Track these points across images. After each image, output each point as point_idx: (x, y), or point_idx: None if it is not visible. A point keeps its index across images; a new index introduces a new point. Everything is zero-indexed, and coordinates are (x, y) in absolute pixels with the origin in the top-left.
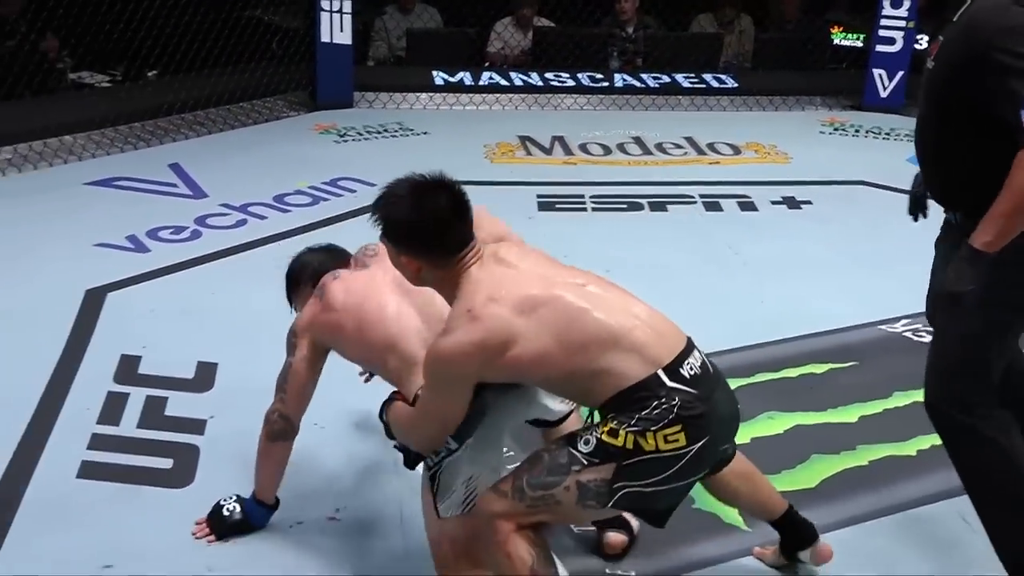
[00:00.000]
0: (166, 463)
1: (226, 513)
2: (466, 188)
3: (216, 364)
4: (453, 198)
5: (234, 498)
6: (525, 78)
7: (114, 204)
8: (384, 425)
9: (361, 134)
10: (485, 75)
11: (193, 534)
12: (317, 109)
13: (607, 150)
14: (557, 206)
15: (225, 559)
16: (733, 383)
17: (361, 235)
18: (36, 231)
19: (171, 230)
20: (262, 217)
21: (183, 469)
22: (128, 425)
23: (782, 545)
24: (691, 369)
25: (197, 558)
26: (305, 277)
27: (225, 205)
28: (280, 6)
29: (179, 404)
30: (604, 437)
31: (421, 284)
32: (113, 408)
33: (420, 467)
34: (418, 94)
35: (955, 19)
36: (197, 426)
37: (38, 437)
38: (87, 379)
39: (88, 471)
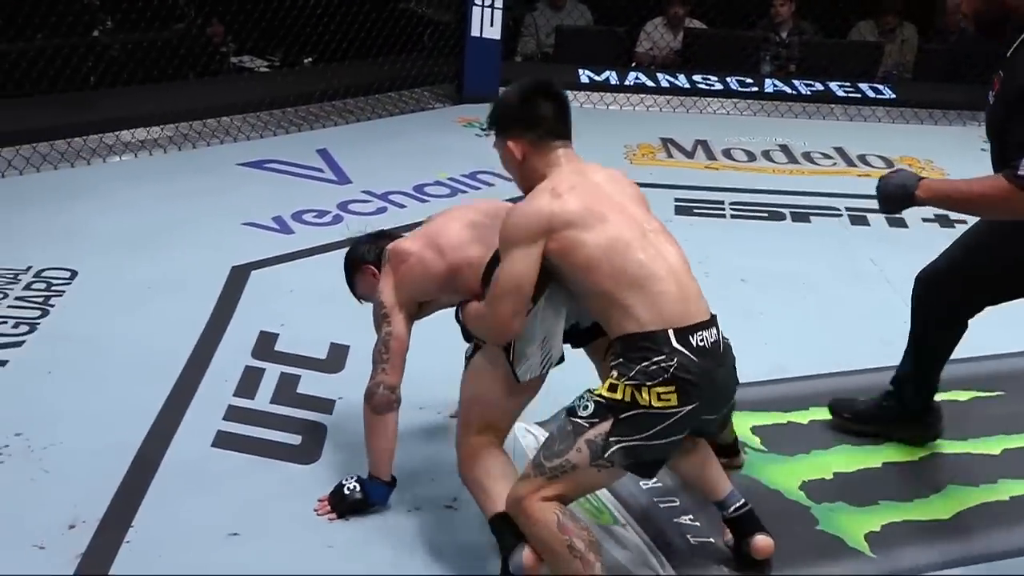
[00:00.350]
0: (295, 439)
1: (347, 492)
2: None
3: (348, 347)
4: (557, 95)
5: (355, 478)
6: (672, 80)
7: (263, 185)
8: (461, 327)
9: None
10: (631, 75)
11: (315, 511)
12: (462, 102)
13: (751, 156)
14: (695, 211)
15: (343, 538)
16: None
17: None
18: (190, 207)
19: (315, 213)
20: (401, 206)
21: (310, 446)
22: (262, 399)
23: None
24: (701, 341)
25: (318, 534)
26: (362, 261)
27: (367, 192)
28: (434, 0)
29: (311, 383)
30: (604, 393)
31: (525, 174)
32: (249, 382)
33: None
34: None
35: (1008, 55)
36: (326, 406)
37: (179, 404)
38: (227, 352)
39: (222, 441)
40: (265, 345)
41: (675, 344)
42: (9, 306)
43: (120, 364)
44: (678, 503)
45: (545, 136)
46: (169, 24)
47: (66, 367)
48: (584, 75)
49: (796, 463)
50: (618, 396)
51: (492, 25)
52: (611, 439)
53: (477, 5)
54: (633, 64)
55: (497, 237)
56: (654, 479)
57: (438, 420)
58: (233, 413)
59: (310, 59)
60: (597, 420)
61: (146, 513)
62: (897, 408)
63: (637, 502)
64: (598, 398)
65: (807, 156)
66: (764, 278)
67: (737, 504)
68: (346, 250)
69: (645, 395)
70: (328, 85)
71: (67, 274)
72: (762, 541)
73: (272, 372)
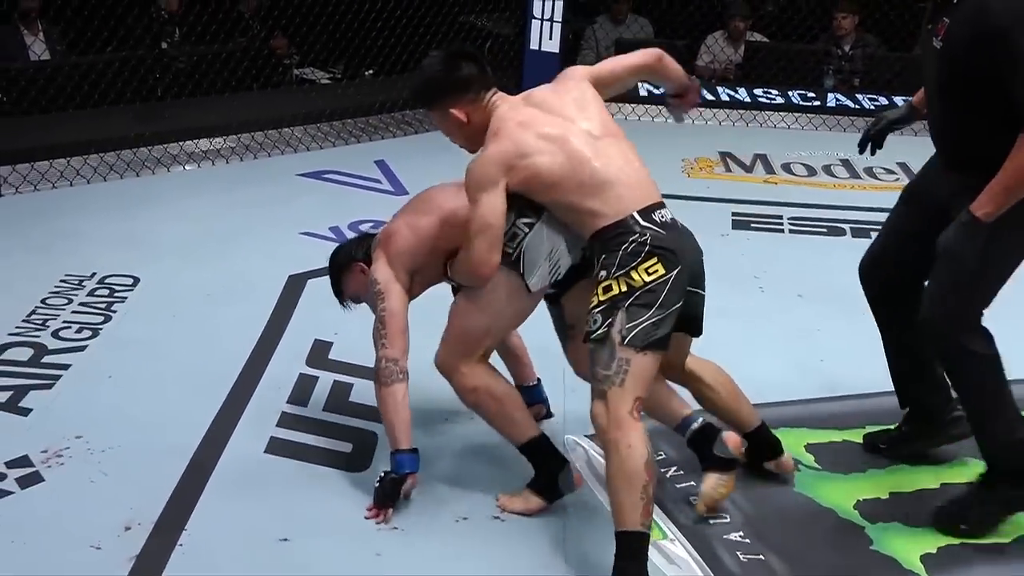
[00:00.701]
0: (346, 447)
1: (378, 484)
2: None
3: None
4: (472, 53)
5: (382, 472)
6: (732, 93)
7: (321, 196)
8: (451, 284)
9: None
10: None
11: (367, 518)
12: None
13: (811, 171)
14: (753, 225)
15: (392, 546)
16: None
17: None
18: (250, 216)
19: (371, 224)
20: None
21: (361, 454)
22: (315, 407)
23: (748, 453)
24: (661, 217)
25: (367, 543)
26: (351, 259)
27: None
28: (494, 12)
29: (363, 392)
30: (601, 296)
31: (471, 133)
32: (303, 389)
33: None
34: (621, 104)
35: (956, 2)
36: (377, 415)
37: (235, 410)
38: (282, 359)
39: (275, 447)
40: (319, 353)
41: (642, 223)
42: (74, 311)
43: (178, 369)
44: (728, 520)
45: (478, 95)
46: (234, 37)
47: (126, 372)
48: (643, 88)
49: (851, 482)
50: (615, 291)
51: (551, 38)
52: (626, 326)
53: (536, 18)
54: (693, 77)
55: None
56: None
57: (479, 430)
58: (286, 420)
59: (371, 71)
60: (612, 320)
61: (200, 516)
62: (923, 421)
63: (687, 518)
64: (599, 305)
65: (869, 171)
66: (822, 294)
67: (696, 424)
68: (329, 262)
69: (636, 276)
70: (388, 97)
71: (130, 281)
72: (729, 437)
73: (325, 380)
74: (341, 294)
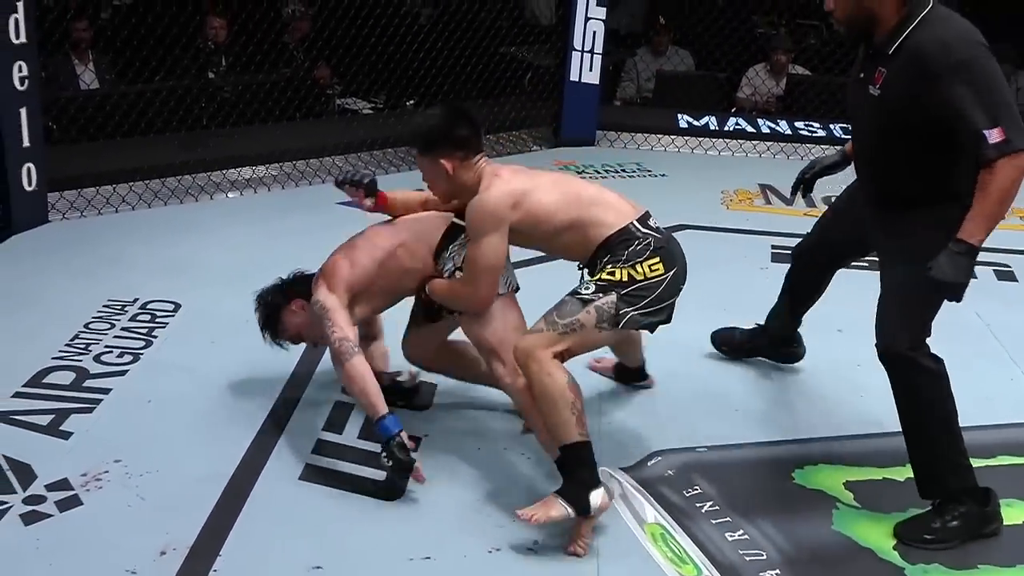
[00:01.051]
0: (380, 475)
1: (387, 460)
2: (698, 233)
3: (436, 384)
4: (472, 118)
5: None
6: (773, 125)
7: (360, 225)
8: (424, 301)
9: (599, 172)
10: (731, 120)
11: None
12: (560, 145)
13: None
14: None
15: None
16: (973, 463)
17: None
18: (290, 245)
19: None
20: None
21: (395, 483)
22: (350, 434)
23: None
24: (654, 223)
25: (400, 572)
26: (285, 300)
27: None
28: (535, 44)
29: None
30: (604, 276)
31: (450, 186)
32: (338, 417)
33: None
34: (660, 136)
35: (890, 52)
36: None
37: (270, 436)
38: (319, 386)
39: (310, 474)
40: None
41: (643, 229)
42: (116, 336)
43: (216, 395)
44: (765, 557)
45: (470, 153)
46: (278, 67)
47: (165, 397)
48: (683, 120)
49: (891, 521)
50: (617, 277)
51: (591, 70)
52: (620, 311)
53: (577, 50)
54: (733, 109)
55: (419, 225)
56: (740, 531)
57: (509, 460)
58: (322, 447)
59: (412, 101)
60: (602, 294)
61: (234, 542)
62: (767, 337)
63: (724, 555)
64: (599, 281)
65: None
66: (862, 329)
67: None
68: (258, 304)
69: (640, 269)
70: None
71: (171, 307)
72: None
73: (360, 409)
74: (278, 334)
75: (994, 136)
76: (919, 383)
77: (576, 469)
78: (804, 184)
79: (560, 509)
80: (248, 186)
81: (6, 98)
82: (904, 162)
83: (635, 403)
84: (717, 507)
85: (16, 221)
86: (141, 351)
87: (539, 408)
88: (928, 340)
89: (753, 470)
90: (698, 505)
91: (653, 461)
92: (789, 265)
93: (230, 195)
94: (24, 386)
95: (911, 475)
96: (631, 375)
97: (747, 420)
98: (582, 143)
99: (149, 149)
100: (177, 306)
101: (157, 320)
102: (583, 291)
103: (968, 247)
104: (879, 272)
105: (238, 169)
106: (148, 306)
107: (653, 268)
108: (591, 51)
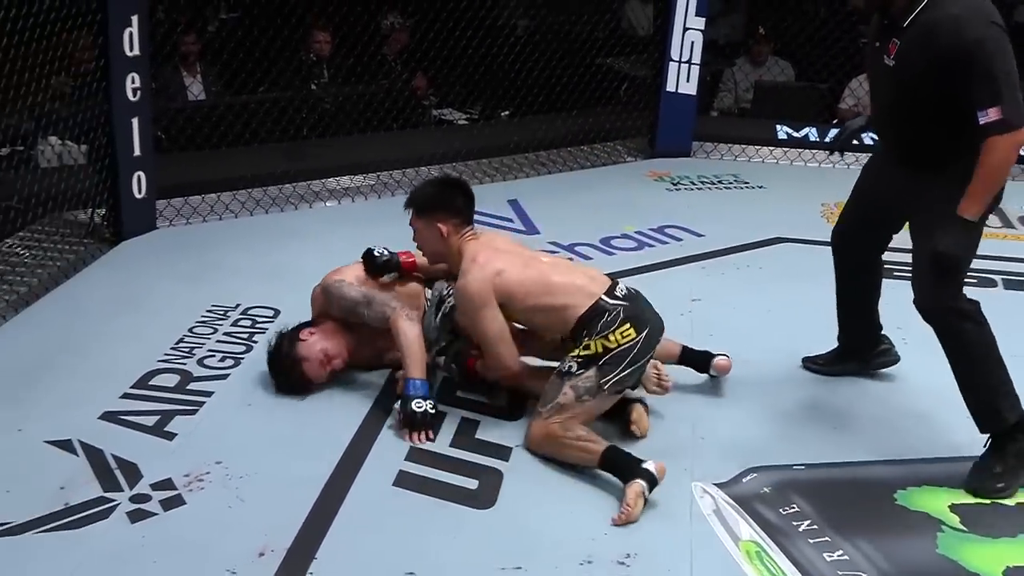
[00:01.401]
0: (472, 483)
1: (401, 414)
2: (795, 246)
3: (525, 396)
4: (468, 190)
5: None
6: (875, 137)
7: None
8: (457, 371)
9: (695, 183)
10: (832, 132)
11: (414, 442)
12: (654, 156)
13: None
14: (895, 273)
15: None
16: None
17: (685, 282)
18: None
19: None
20: (587, 257)
21: (487, 491)
22: (442, 442)
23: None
24: (620, 292)
25: None
26: (294, 342)
27: (554, 243)
28: (631, 55)
29: (489, 429)
30: (582, 353)
31: (443, 248)
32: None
33: None
34: (758, 147)
35: (905, 25)
36: (504, 452)
37: (365, 441)
38: None
39: (403, 480)
40: (447, 390)
41: (610, 302)
42: (218, 340)
43: (313, 400)
44: None
45: (462, 223)
46: (377, 78)
47: (265, 401)
48: (782, 131)
49: (1000, 546)
50: (592, 350)
51: (688, 80)
52: (602, 380)
53: (674, 61)
54: (835, 121)
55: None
56: (839, 552)
57: (595, 470)
58: (414, 454)
59: (507, 112)
60: (582, 371)
61: (329, 546)
62: (855, 353)
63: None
64: (577, 358)
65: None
66: None
67: (683, 347)
68: (273, 359)
69: (612, 338)
70: (522, 137)
71: (271, 312)
72: (722, 360)
73: (453, 416)
74: (308, 384)
75: (990, 115)
76: (963, 328)
77: (619, 462)
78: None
79: (635, 488)
80: (346, 195)
81: (119, 108)
82: (921, 126)
83: (730, 418)
84: (815, 526)
85: (126, 227)
86: (242, 355)
87: (564, 459)
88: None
89: (853, 490)
90: (795, 524)
91: (749, 478)
92: (835, 271)
93: (328, 204)
94: (131, 387)
95: (1021, 500)
96: (694, 359)
97: (847, 438)
98: (677, 154)
99: (252, 158)
100: (277, 312)
101: (257, 325)
102: (565, 368)
103: (964, 222)
104: (910, 232)
105: (336, 178)
106: (249, 311)
107: (625, 334)
108: (688, 61)
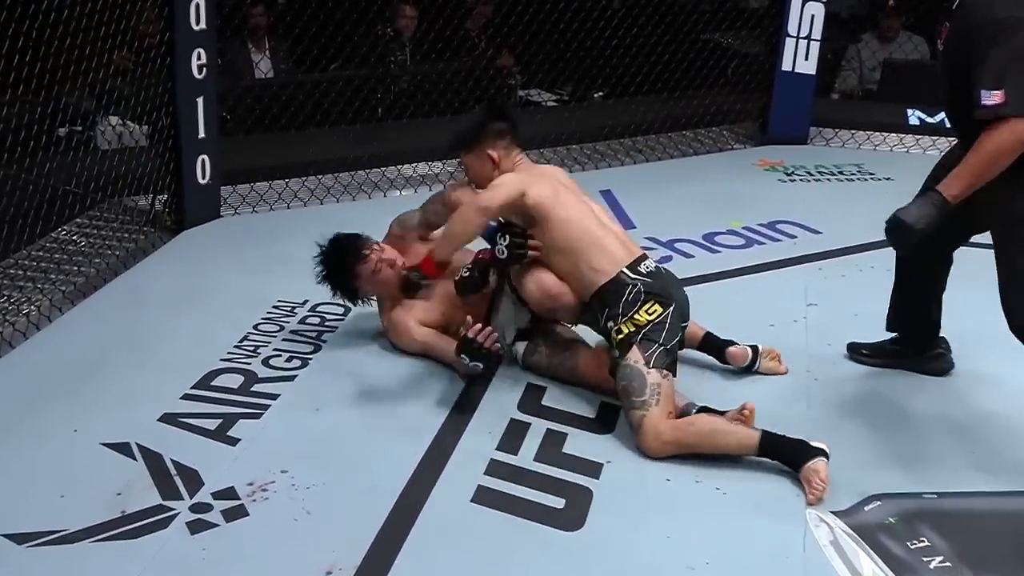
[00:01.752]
0: (558, 502)
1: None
2: None
3: (619, 408)
4: (510, 114)
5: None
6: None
7: None
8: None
9: (811, 174)
10: None
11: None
12: (765, 143)
13: None
14: None
15: None
16: None
17: (799, 285)
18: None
19: None
20: (688, 255)
21: (574, 511)
22: (526, 456)
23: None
24: (646, 268)
25: None
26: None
27: (652, 239)
28: (742, 30)
29: (578, 442)
30: (616, 339)
31: (491, 180)
32: (514, 436)
33: None
34: (886, 134)
35: (954, 7)
36: (593, 469)
37: (442, 453)
38: (493, 402)
39: (482, 496)
40: (532, 398)
41: (631, 275)
42: (284, 339)
43: (386, 405)
44: None
45: (510, 144)
46: (459, 55)
47: (334, 405)
48: (913, 116)
49: None
50: (625, 332)
51: (807, 58)
52: (646, 355)
53: (791, 36)
54: None
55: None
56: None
57: (699, 489)
58: (495, 468)
59: (600, 93)
60: (627, 351)
61: (401, 566)
62: (907, 348)
63: None
64: (618, 345)
65: None
66: None
67: (704, 332)
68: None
69: (640, 317)
70: (618, 121)
71: (340, 309)
72: (736, 349)
73: (538, 427)
74: (356, 289)
75: (992, 98)
76: None
77: (782, 444)
78: None
79: (818, 467)
80: (423, 183)
81: (184, 86)
82: (961, 110)
83: (849, 440)
84: (948, 563)
85: (189, 215)
86: (310, 356)
87: (711, 452)
88: None
89: (992, 523)
90: (925, 559)
91: (871, 506)
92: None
93: (403, 192)
94: (193, 388)
95: None
96: (712, 348)
97: (984, 464)
98: (793, 141)
99: (323, 142)
100: (347, 309)
101: (327, 324)
102: (619, 358)
103: (940, 199)
104: (992, 239)
105: (413, 165)
106: (318, 308)
107: (650, 311)
108: (808, 37)
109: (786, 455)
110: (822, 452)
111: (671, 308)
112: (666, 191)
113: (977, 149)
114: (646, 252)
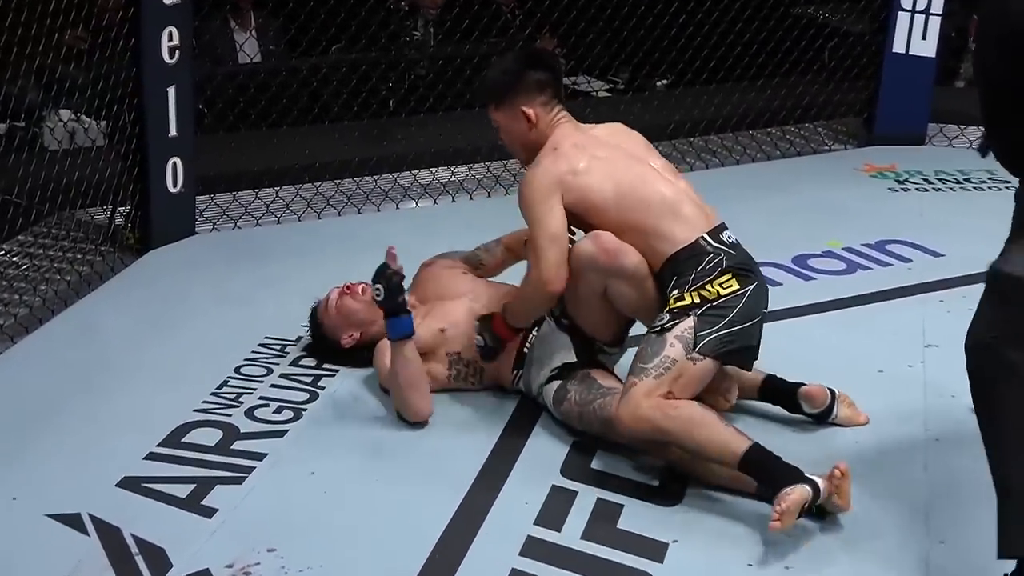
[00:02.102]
0: None
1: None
2: None
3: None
4: (551, 62)
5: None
6: None
7: None
8: (484, 346)
9: (930, 181)
10: None
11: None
12: (872, 143)
13: None
14: None
15: None
16: None
17: (915, 320)
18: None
19: None
20: (775, 282)
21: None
22: (571, 532)
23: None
24: (728, 238)
25: None
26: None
27: None
28: (843, 3)
29: (637, 516)
30: (674, 305)
31: (533, 138)
32: (556, 508)
33: None
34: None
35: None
36: (656, 550)
37: (468, 528)
38: (530, 466)
39: None
40: (579, 460)
41: (713, 244)
42: (272, 385)
43: (397, 469)
44: None
45: (550, 99)
46: (488, 36)
47: (334, 467)
48: None
49: None
50: (687, 301)
51: (924, 38)
52: (698, 334)
53: (905, 10)
54: None
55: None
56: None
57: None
58: (533, 547)
59: (665, 81)
60: (678, 320)
61: None
62: None
63: None
64: (672, 309)
65: None
66: None
67: (765, 376)
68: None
69: (710, 288)
70: (686, 116)
71: None
72: (813, 388)
73: (586, 496)
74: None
75: None
76: None
77: (768, 464)
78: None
79: (800, 494)
80: (444, 192)
81: (152, 74)
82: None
83: (977, 518)
84: None
85: (156, 231)
86: (304, 405)
87: (687, 448)
88: None
89: None
90: None
91: None
92: None
93: (420, 203)
94: (160, 445)
95: None
96: (779, 393)
97: None
98: (907, 141)
99: (322, 142)
100: None
101: (325, 366)
102: (658, 322)
103: None
104: None
105: (432, 169)
106: None
107: (725, 285)
108: (926, 12)
109: (770, 476)
110: (810, 483)
111: (751, 287)
112: (746, 202)
113: None
114: (725, 223)
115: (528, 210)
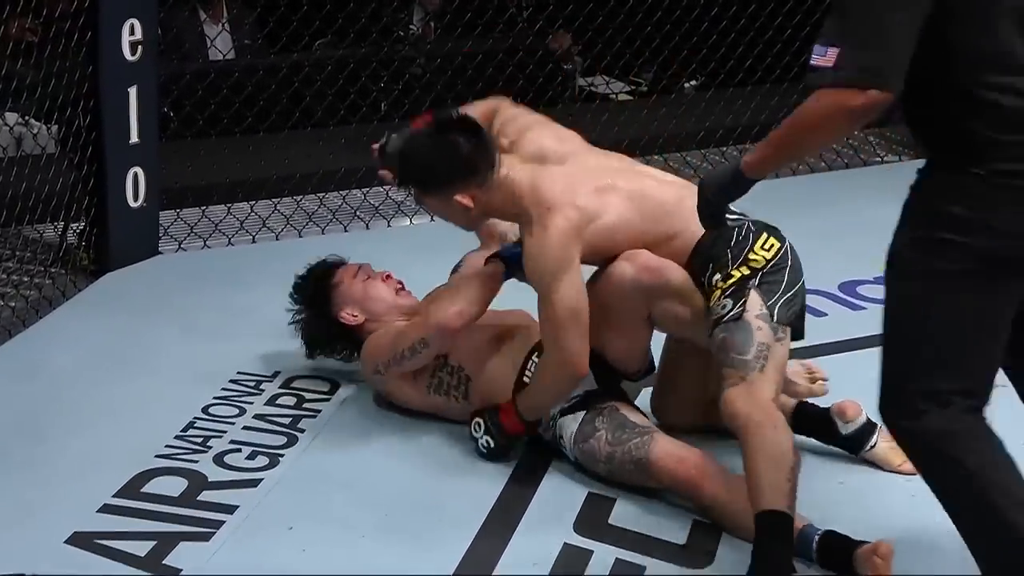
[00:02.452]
0: None
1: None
2: None
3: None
4: (472, 124)
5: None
6: None
7: None
8: (490, 448)
9: None
10: None
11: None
12: None
13: None
14: None
15: None
16: None
17: None
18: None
19: None
20: (820, 313)
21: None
22: None
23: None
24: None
25: None
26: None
27: None
28: None
29: None
30: (723, 285)
31: (478, 220)
32: (569, 569)
33: None
34: None
35: None
36: None
37: None
38: (539, 518)
39: None
40: (595, 513)
41: (735, 213)
42: (245, 427)
43: (387, 522)
44: None
45: (486, 173)
46: (494, 33)
47: (315, 521)
48: None
49: None
50: (736, 275)
51: None
52: (770, 303)
53: None
54: None
55: None
56: None
57: None
58: None
59: (694, 82)
60: (745, 300)
61: None
62: None
63: None
64: (724, 292)
65: None
66: None
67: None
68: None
69: (756, 255)
70: (718, 122)
71: (326, 387)
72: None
73: (603, 557)
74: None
75: (823, 58)
76: None
77: (773, 544)
78: None
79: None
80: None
81: (112, 71)
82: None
83: None
84: None
85: (115, 251)
86: (281, 451)
87: (750, 461)
88: None
89: None
90: None
91: None
92: None
93: (415, 220)
94: (116, 496)
95: None
96: (812, 420)
97: None
98: None
99: (303, 150)
100: (334, 385)
101: (305, 405)
102: (721, 312)
103: (736, 165)
104: None
105: None
106: (293, 384)
107: (766, 246)
108: None
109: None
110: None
111: (788, 243)
112: (787, 222)
113: (791, 119)
114: None
115: (543, 281)
